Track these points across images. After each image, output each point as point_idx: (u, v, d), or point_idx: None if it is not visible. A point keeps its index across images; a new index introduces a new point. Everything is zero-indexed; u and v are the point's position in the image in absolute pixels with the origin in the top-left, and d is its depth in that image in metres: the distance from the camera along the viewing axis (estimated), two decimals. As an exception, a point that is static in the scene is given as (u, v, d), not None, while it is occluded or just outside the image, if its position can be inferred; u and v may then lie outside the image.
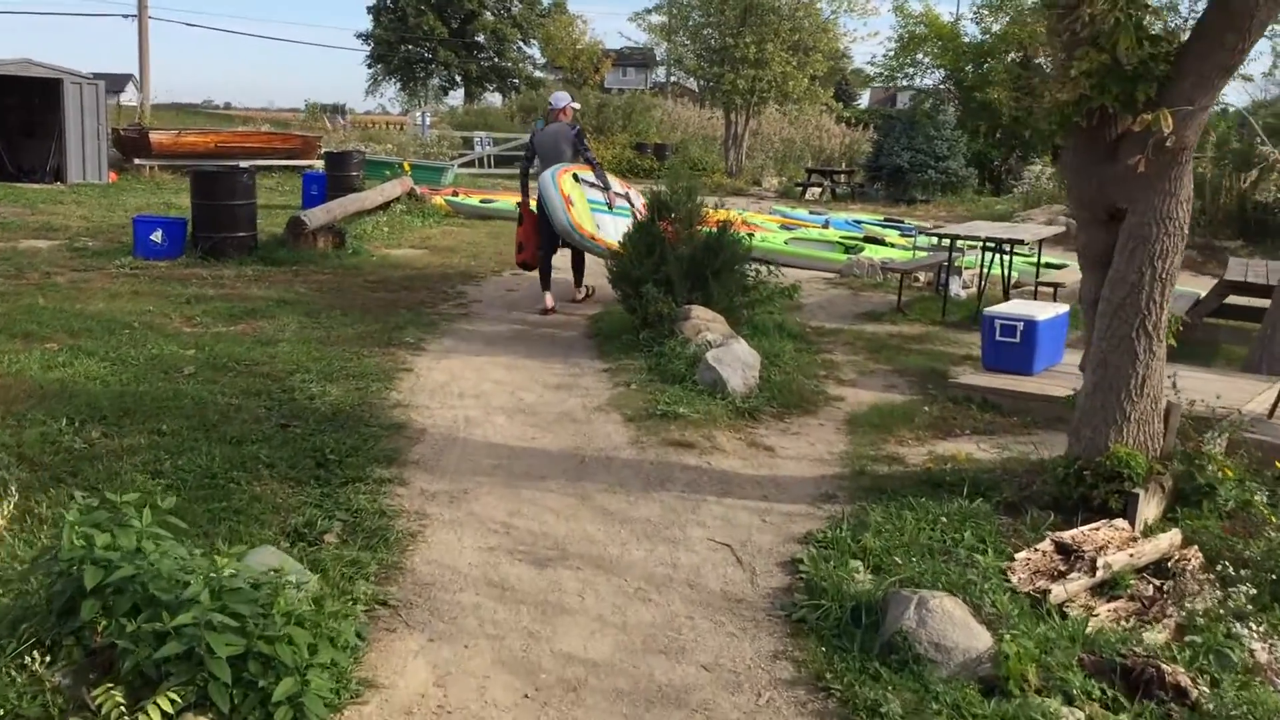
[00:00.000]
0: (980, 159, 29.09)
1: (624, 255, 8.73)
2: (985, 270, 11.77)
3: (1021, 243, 10.73)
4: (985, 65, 30.60)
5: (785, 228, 17.11)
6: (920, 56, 31.72)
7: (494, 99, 61.23)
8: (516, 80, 62.36)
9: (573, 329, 9.82)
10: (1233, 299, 11.50)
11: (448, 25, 59.60)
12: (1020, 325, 7.58)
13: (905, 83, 32.72)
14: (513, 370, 8.04)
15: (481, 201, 18.98)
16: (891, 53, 32.34)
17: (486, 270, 12.99)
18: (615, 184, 10.94)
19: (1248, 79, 34.21)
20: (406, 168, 20.13)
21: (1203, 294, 12.33)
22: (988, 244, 11.28)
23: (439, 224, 17.19)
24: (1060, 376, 7.68)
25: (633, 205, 10.80)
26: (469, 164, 30.72)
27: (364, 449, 5.94)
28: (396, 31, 59.44)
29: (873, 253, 14.93)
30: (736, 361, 7.40)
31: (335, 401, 6.77)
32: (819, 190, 28.53)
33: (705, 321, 8.32)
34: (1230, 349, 9.98)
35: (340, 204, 14.63)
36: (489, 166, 31.37)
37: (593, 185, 10.52)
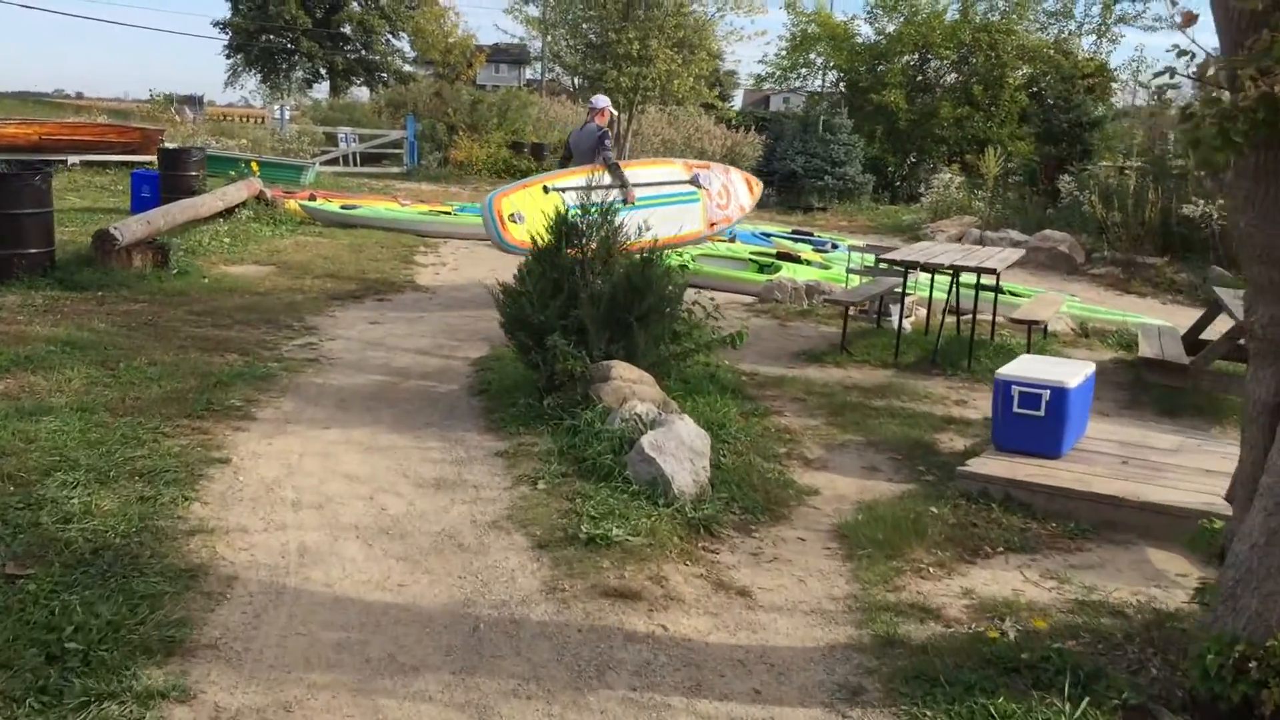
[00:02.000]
0: (876, 165, 27.76)
1: (520, 294, 6.67)
2: (948, 302, 10.06)
3: (993, 272, 9.06)
4: (880, 67, 29.41)
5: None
6: (813, 57, 30.39)
7: (361, 93, 58.24)
8: (385, 74, 59.57)
9: (452, 380, 7.72)
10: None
11: (311, 15, 56.40)
12: (1046, 394, 5.79)
13: (798, 83, 31.35)
14: (373, 454, 5.90)
15: (343, 207, 16.63)
16: (783, 52, 30.97)
17: (346, 295, 10.76)
18: (668, 171, 10.97)
19: (1144, 86, 33.71)
20: (255, 167, 17.63)
21: (1160, 325, 10.86)
22: (945, 272, 9.56)
23: (292, 233, 14.81)
24: (1093, 459, 5.92)
25: (702, 188, 10.86)
26: (332, 162, 28.16)
27: (130, 624, 3.77)
28: (256, 20, 55.97)
29: (791, 272, 13.14)
30: (682, 449, 5.42)
31: (103, 525, 4.56)
32: (710, 196, 26.79)
33: (630, 383, 6.34)
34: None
35: (165, 212, 12.16)
36: (355, 165, 28.83)
37: (591, 189, 9.38)
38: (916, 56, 29.56)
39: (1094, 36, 30.18)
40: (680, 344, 7.17)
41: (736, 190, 11.90)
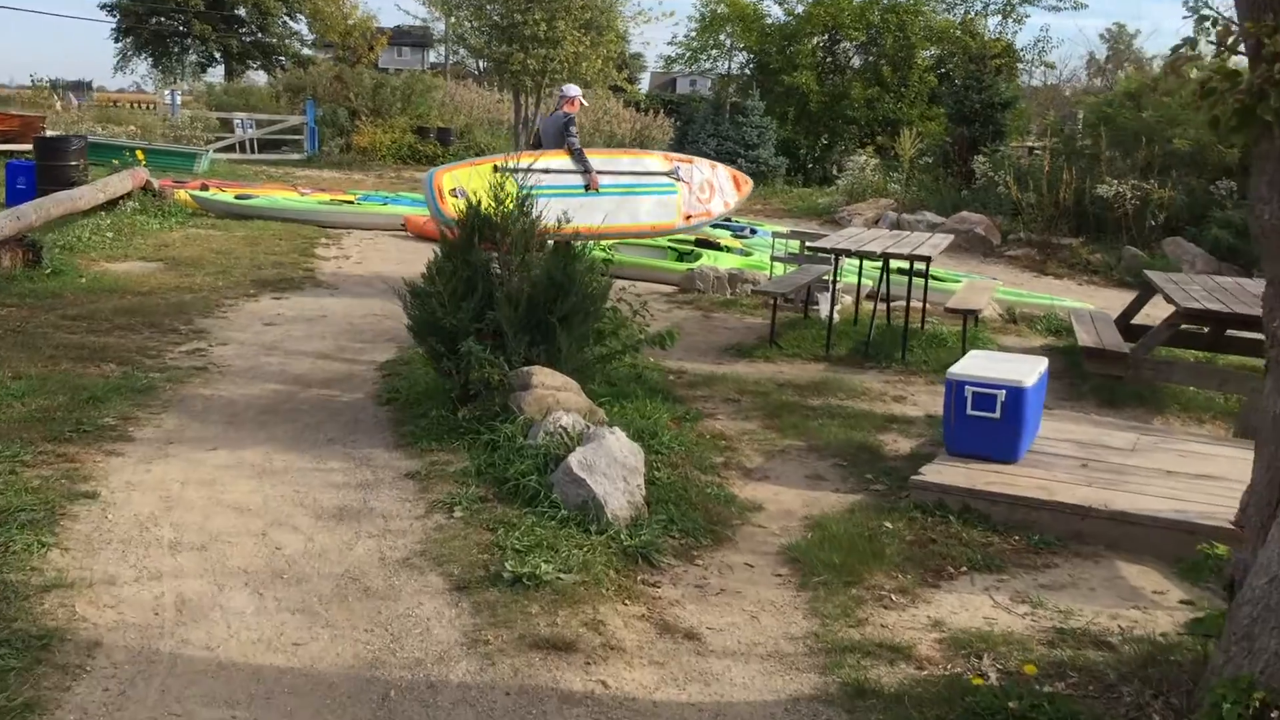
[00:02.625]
0: (788, 147, 27.47)
1: (429, 294, 6.06)
2: (877, 290, 9.67)
3: (927, 259, 8.68)
4: (790, 48, 29.10)
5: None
6: (723, 38, 29.98)
7: (259, 77, 56.39)
8: (283, 58, 57.77)
9: (357, 388, 7.09)
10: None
11: (204, -4, 54.42)
12: (1002, 394, 5.38)
13: (708, 64, 30.94)
14: (267, 480, 5.27)
15: (237, 198, 15.72)
16: (692, 33, 30.50)
17: (240, 294, 10.01)
18: (647, 162, 11.28)
19: (1049, 66, 33.94)
20: (140, 155, 16.63)
21: (1092, 310, 10.64)
22: (876, 259, 9.16)
23: (182, 226, 13.92)
24: (1052, 462, 5.54)
25: (682, 181, 10.93)
26: (229, 149, 27.01)
27: (-35, 713, 3.14)
28: (145, 2, 53.75)
29: (712, 260, 12.68)
30: (614, 466, 4.89)
31: (-61, 583, 3.88)
32: (622, 180, 26.23)
33: (553, 391, 5.79)
34: (1187, 394, 8.16)
35: (38, 206, 11.23)
36: (253, 152, 27.69)
37: (555, 172, 10.14)
38: (826, 37, 29.32)
39: (999, 17, 30.29)
40: (606, 345, 6.63)
41: (721, 186, 11.69)
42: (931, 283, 11.00)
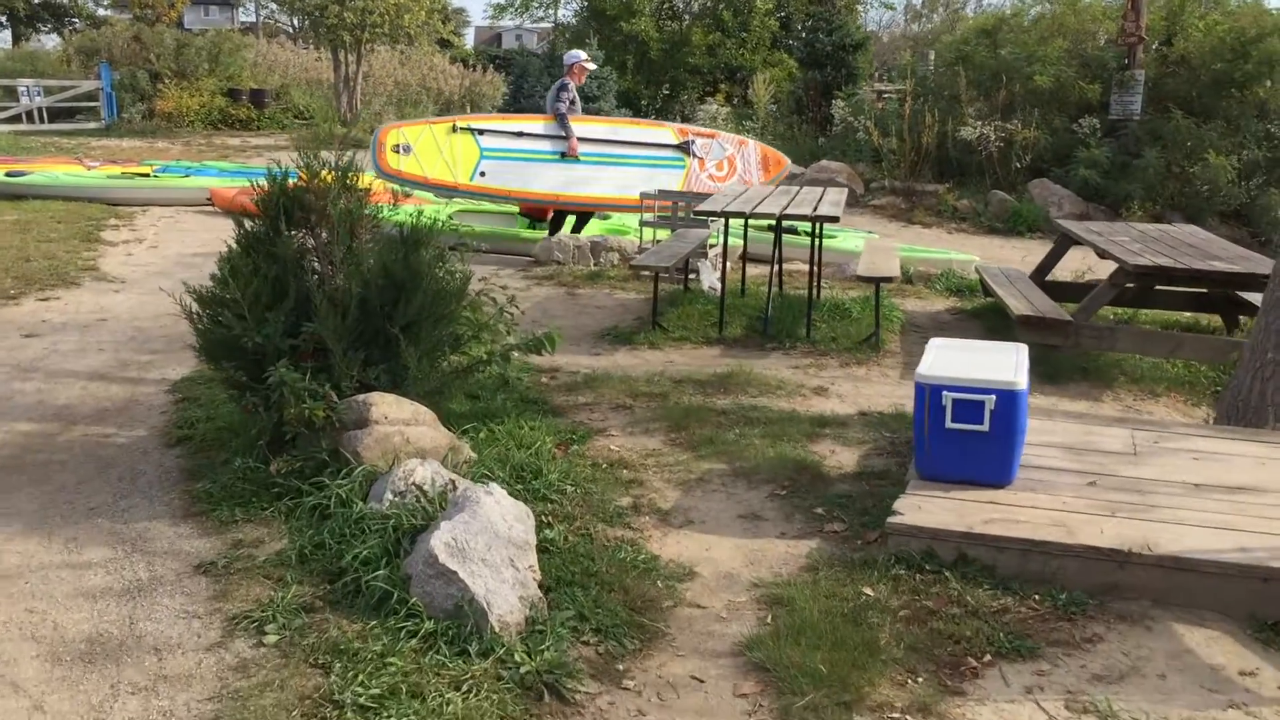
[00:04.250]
0: (629, 98, 26.05)
1: (223, 302, 4.46)
2: (774, 258, 8.38)
3: (835, 220, 7.44)
4: (627, -8, 27.62)
5: (444, 195, 13.01)
6: (556, -17, 28.31)
7: (50, 40, 51.79)
8: (76, 20, 53.28)
9: (139, 421, 5.45)
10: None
11: (-18, -46, 49.70)
12: (990, 400, 4.15)
13: (540, 12, 29.24)
14: (-11, 589, 3.65)
15: (9, 174, 13.45)
16: (523, -22, 28.73)
17: (1, 295, 8.12)
18: (652, 133, 11.00)
19: (889, 7, 33.31)
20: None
21: (1004, 269, 9.70)
22: (769, 220, 7.88)
23: (-61, 211, 11.72)
24: (1051, 482, 4.35)
25: (695, 156, 10.71)
26: (14, 120, 24.12)
27: None
28: (-87, -40, 48.63)
29: (566, 226, 11.23)
30: (496, 545, 3.46)
31: None
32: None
33: (400, 425, 4.31)
34: (1131, 362, 7.15)
35: None
36: (42, 122, 24.80)
37: (529, 135, 10.45)
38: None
39: (837, -42, 29.40)
40: (466, 353, 5.15)
41: (747, 165, 11.05)
42: (805, 240, 9.85)
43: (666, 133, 11.17)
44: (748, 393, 6.19)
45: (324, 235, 4.65)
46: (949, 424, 4.22)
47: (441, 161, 10.34)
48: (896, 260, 8.03)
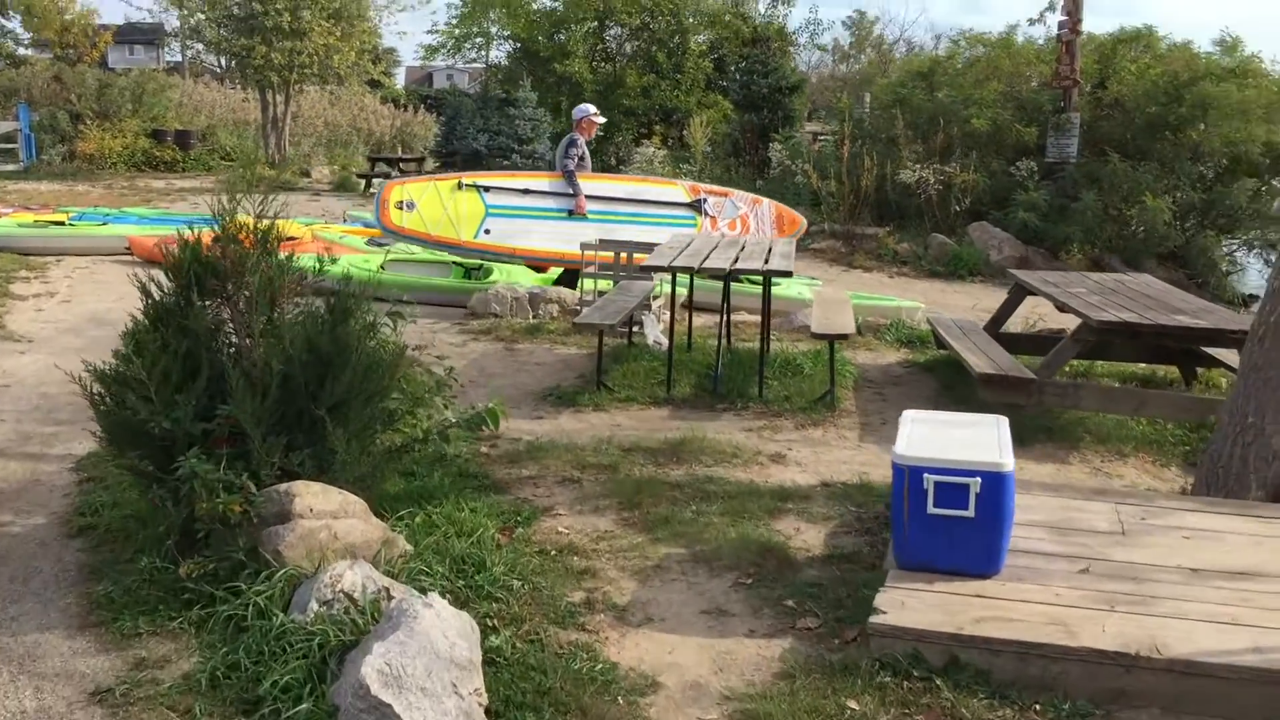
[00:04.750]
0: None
1: (127, 381, 3.99)
2: (724, 310, 8.05)
3: (787, 274, 7.14)
4: (560, 35, 27.44)
5: (375, 242, 12.57)
6: (488, 25, 28.05)
7: (-33, 82, 50.43)
8: (-4, 59, 51.98)
9: (37, 505, 4.94)
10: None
11: (-108, -10, 48.22)
12: (976, 483, 3.83)
13: (473, 53, 28.94)
14: None
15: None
16: (454, 20, 28.42)
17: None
18: (664, 191, 10.82)
19: (823, 49, 33.52)
20: None
21: (957, 320, 9.47)
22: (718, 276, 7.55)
23: None
24: (1041, 570, 4.02)
25: (707, 215, 10.55)
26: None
27: None
28: None
29: (505, 276, 10.84)
30: (436, 669, 3.03)
31: None
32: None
33: (327, 520, 3.87)
34: (1095, 420, 6.89)
35: None
36: (-41, 167, 23.94)
37: (535, 193, 10.37)
38: (597, 23, 27.78)
39: (769, 0, 29.55)
40: (400, 429, 4.72)
41: (761, 224, 10.89)
42: (751, 288, 9.58)
43: (678, 191, 10.99)
44: (702, 461, 5.82)
45: (241, 305, 4.22)
46: (931, 509, 3.89)
47: (446, 218, 10.25)
48: (851, 314, 7.75)
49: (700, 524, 4.87)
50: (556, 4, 27.42)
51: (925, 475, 3.88)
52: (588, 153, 10.75)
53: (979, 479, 3.84)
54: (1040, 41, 18.71)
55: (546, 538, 4.69)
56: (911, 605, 3.71)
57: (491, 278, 10.76)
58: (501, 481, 5.42)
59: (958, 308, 12.00)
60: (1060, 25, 16.77)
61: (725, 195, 11.02)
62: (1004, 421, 4.35)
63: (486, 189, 10.29)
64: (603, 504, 5.15)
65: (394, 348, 4.52)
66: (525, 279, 10.62)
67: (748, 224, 10.78)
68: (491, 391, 7.32)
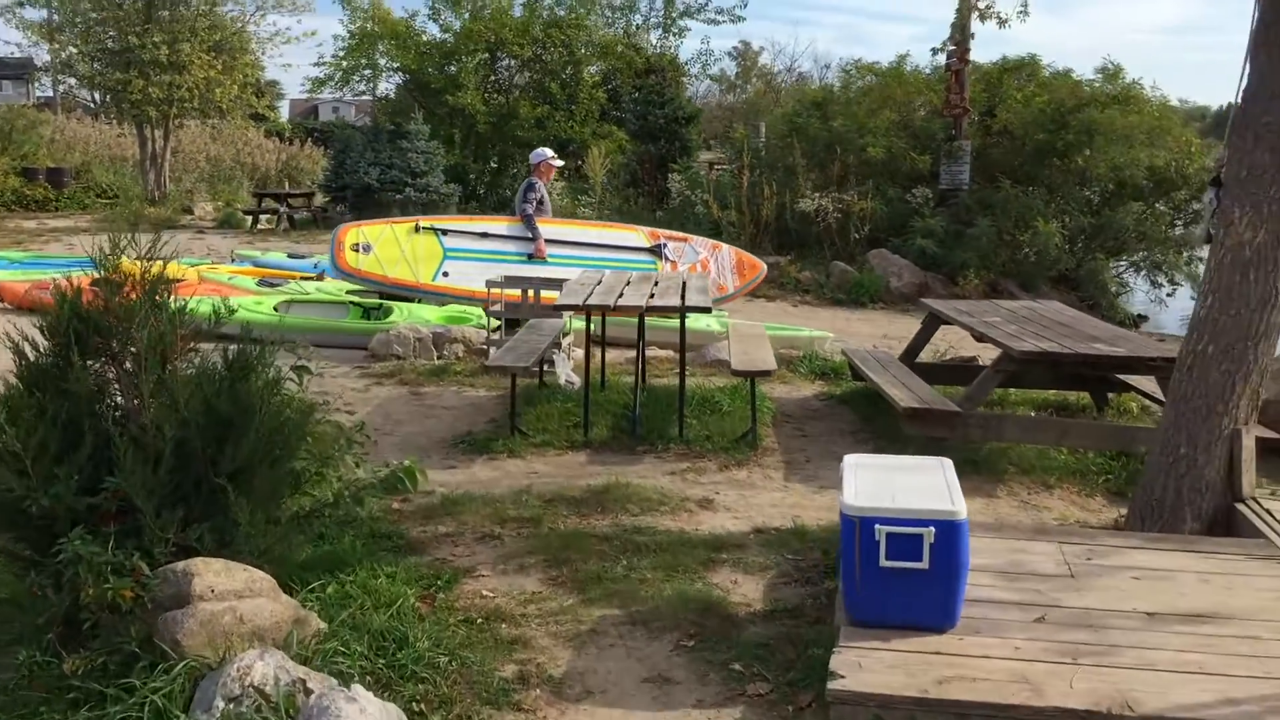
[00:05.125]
0: (459, 173, 25.38)
1: (1, 454, 3.58)
2: (640, 350, 7.81)
3: (706, 310, 6.94)
4: (451, 67, 27.07)
5: (266, 283, 12.07)
6: (377, 57, 27.53)
7: None
8: None
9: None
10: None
11: None
12: (929, 533, 3.64)
13: (361, 85, 28.35)
14: None
15: None
16: (341, 53, 27.83)
17: None
18: (622, 236, 10.71)
19: (715, 79, 33.70)
20: None
21: (873, 352, 9.43)
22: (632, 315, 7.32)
23: None
24: (995, 619, 3.85)
25: (666, 260, 10.45)
26: None
27: None
28: None
29: (407, 316, 10.47)
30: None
31: None
32: (274, 218, 23.26)
33: (231, 602, 3.50)
34: (1017, 451, 6.81)
35: None
36: None
37: (494, 236, 10.29)
38: (488, 55, 27.47)
39: (660, 30, 29.61)
40: (309, 493, 4.37)
41: (720, 268, 10.85)
42: (667, 322, 9.39)
43: (638, 236, 10.91)
44: (628, 510, 5.56)
45: (129, 364, 3.83)
46: (884, 561, 3.69)
47: (403, 261, 10.19)
48: (769, 348, 7.58)
49: (633, 580, 4.61)
50: (447, 36, 27.02)
51: (876, 526, 3.68)
52: (547, 196, 10.63)
53: (932, 529, 3.65)
54: (928, 71, 19.01)
55: (471, 603, 4.38)
56: (869, 666, 3.49)
57: (392, 318, 10.38)
58: (417, 541, 5.08)
59: (864, 335, 11.98)
60: (949, 55, 17.04)
61: (685, 240, 10.99)
62: (949, 464, 4.18)
63: (445, 232, 10.25)
64: (527, 562, 4.85)
65: (300, 403, 4.17)
66: (429, 318, 10.26)
67: (708, 268, 10.72)
68: (400, 441, 6.97)
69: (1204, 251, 16.63)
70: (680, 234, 11.30)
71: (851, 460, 4.23)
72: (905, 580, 3.69)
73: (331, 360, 9.26)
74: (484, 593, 4.49)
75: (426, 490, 5.81)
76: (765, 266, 11.28)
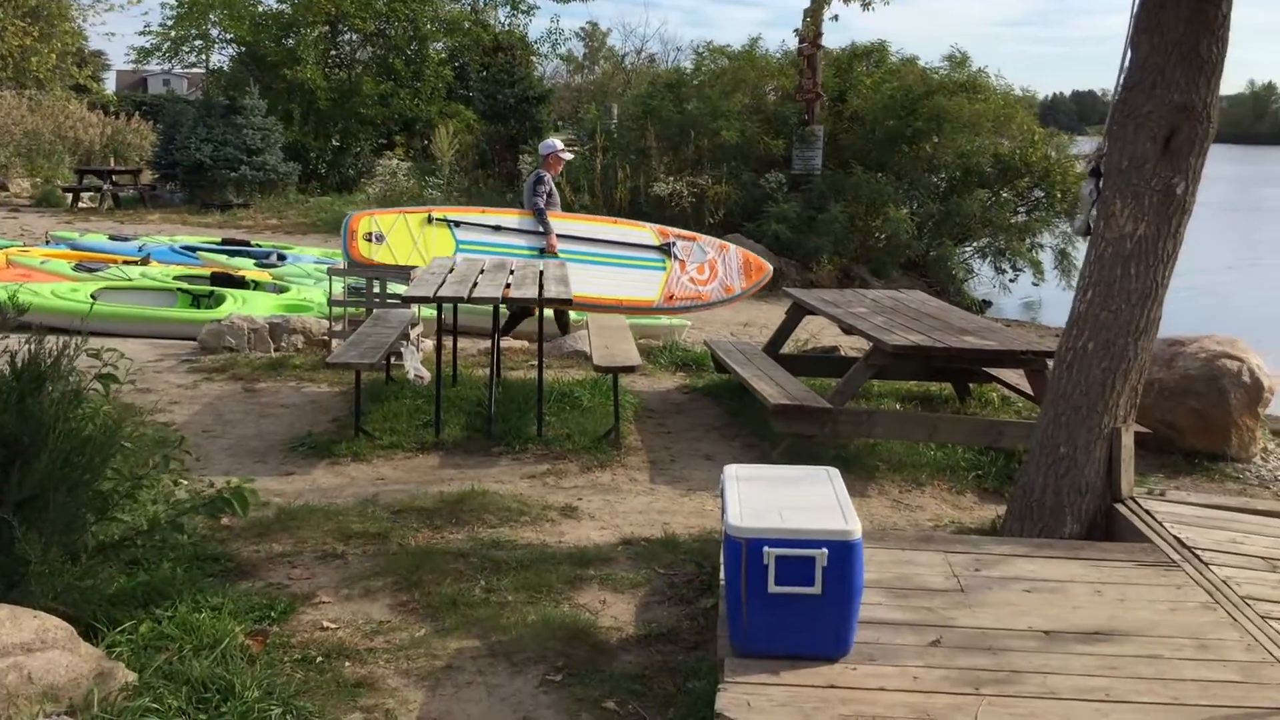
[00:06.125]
0: (298, 151, 24.31)
1: None
2: (495, 339, 7.32)
3: (568, 303, 6.52)
4: (289, 40, 25.92)
5: (84, 267, 11.14)
6: (209, 28, 26.14)
7: None
8: None
9: None
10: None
11: None
12: (822, 555, 3.33)
13: (193, 57, 26.91)
14: None
15: None
16: (169, 21, 26.33)
17: None
18: (632, 233, 10.35)
19: (565, 59, 33.12)
20: None
21: (736, 342, 9.19)
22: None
23: None
24: (887, 644, 3.56)
25: (675, 259, 10.20)
26: None
27: None
28: None
29: (241, 304, 9.76)
30: None
31: None
32: (98, 196, 21.84)
33: (16, 655, 2.95)
34: (886, 448, 6.60)
35: None
36: None
37: (507, 230, 9.87)
38: (329, 28, 26.39)
39: (508, 8, 28.94)
40: (118, 518, 3.80)
41: (728, 269, 10.45)
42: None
43: (647, 234, 10.47)
44: (486, 521, 5.13)
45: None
46: (773, 587, 3.36)
47: (416, 252, 9.73)
48: (632, 342, 7.22)
49: (493, 605, 4.19)
50: (284, 6, 25.84)
51: (765, 549, 3.35)
52: (554, 189, 10.11)
53: (825, 550, 3.34)
54: (779, 55, 18.94)
55: (309, 637, 3.89)
56: (760, 706, 3.16)
57: (224, 306, 9.66)
58: (248, 563, 4.55)
59: (721, 323, 11.77)
60: (800, 39, 16.96)
61: (693, 239, 10.58)
62: (836, 475, 3.88)
63: (457, 224, 9.88)
64: (374, 585, 4.38)
65: (107, 417, 3.60)
66: (264, 308, 9.58)
67: (716, 268, 10.42)
68: (232, 444, 6.38)
69: (1047, 238, 16.90)
70: (689, 233, 10.90)
71: (731, 472, 3.89)
72: (796, 607, 3.36)
73: (158, 353, 8.54)
74: (325, 624, 4.01)
75: (261, 501, 5.24)
76: (771, 268, 10.94)
